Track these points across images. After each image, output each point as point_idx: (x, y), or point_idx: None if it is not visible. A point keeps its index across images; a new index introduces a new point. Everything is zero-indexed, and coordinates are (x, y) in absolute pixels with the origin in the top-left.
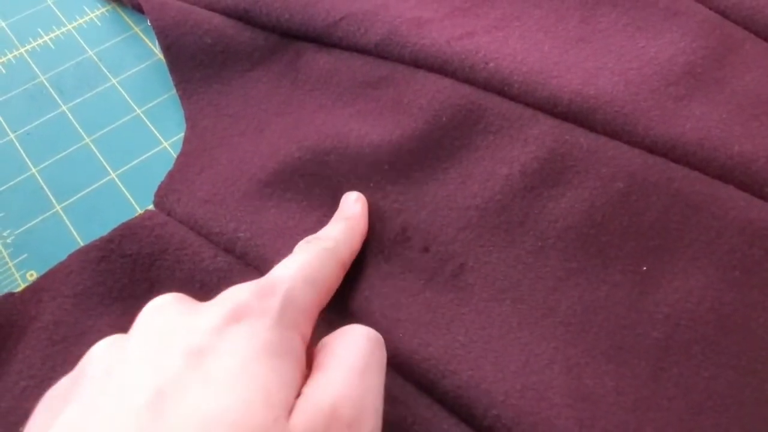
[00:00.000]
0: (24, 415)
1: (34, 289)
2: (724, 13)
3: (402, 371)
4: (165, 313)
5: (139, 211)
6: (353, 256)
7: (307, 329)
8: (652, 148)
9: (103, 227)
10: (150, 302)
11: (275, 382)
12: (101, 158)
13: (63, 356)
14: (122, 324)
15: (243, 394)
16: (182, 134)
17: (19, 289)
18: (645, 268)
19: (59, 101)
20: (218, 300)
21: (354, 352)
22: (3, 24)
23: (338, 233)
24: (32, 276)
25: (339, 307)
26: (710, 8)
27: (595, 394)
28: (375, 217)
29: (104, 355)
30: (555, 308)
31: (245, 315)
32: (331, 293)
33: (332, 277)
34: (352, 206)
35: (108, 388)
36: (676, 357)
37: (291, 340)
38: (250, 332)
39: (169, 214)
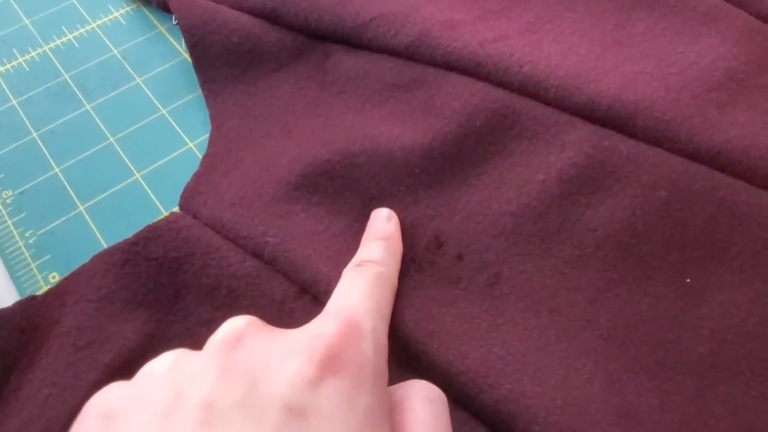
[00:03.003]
0: (46, 425)
1: (56, 292)
2: (766, 19)
3: (438, 384)
4: (246, 346)
5: (164, 212)
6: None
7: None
8: (695, 155)
9: (127, 228)
10: (224, 327)
11: None
12: (125, 158)
13: (87, 363)
14: (147, 330)
15: None
16: (207, 135)
17: (41, 292)
18: (689, 281)
19: (83, 100)
20: (304, 338)
21: (431, 421)
22: (27, 21)
23: (385, 255)
24: (54, 278)
25: None
26: (750, 14)
27: (639, 412)
28: (406, 223)
29: (171, 383)
30: (594, 320)
31: (341, 366)
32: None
33: (392, 305)
34: (386, 225)
35: None
36: (723, 374)
37: (385, 398)
38: (350, 391)
39: (195, 217)
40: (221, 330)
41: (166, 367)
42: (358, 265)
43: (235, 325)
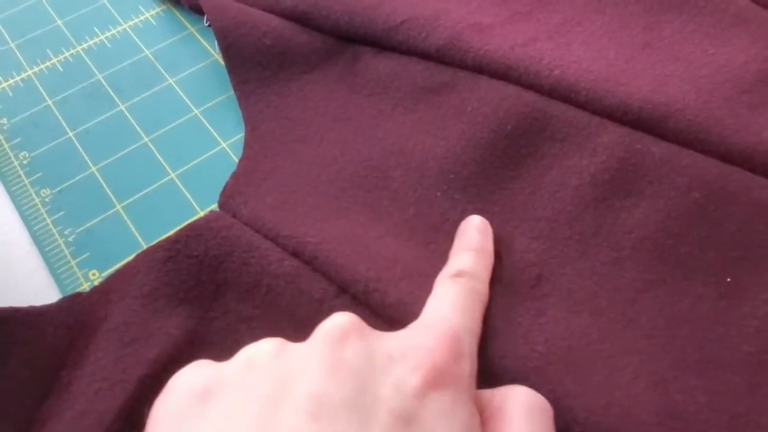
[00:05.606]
0: (98, 418)
1: (101, 290)
2: None
3: (478, 383)
4: (351, 345)
5: (200, 211)
6: None
7: None
8: (727, 157)
9: (163, 227)
10: (329, 321)
11: None
12: (160, 158)
13: (134, 358)
14: (188, 326)
15: None
16: (241, 135)
17: (81, 288)
18: (729, 280)
19: (117, 100)
20: (407, 345)
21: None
22: (59, 22)
23: (481, 271)
24: (94, 275)
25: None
26: None
27: (685, 411)
28: (444, 228)
29: (276, 372)
30: (636, 320)
31: (443, 381)
32: None
33: (481, 322)
34: (481, 238)
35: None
36: None
37: (476, 413)
38: (451, 407)
39: (234, 216)
40: (324, 326)
41: (269, 355)
42: (455, 275)
43: (338, 321)
